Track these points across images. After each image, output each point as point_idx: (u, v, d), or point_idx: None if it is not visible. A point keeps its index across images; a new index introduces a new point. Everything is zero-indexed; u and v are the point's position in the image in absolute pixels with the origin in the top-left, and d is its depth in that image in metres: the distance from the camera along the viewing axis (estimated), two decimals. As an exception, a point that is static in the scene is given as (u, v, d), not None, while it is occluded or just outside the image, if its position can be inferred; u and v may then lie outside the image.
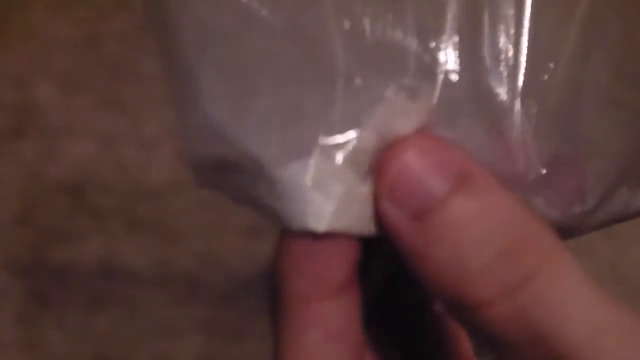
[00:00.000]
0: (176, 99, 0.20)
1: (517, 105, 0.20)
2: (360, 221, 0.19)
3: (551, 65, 0.20)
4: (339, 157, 0.18)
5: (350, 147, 0.19)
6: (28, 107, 0.73)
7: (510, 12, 0.20)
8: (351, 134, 0.19)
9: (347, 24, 0.18)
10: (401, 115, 0.19)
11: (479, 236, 0.18)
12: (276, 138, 0.18)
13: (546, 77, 0.20)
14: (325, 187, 0.18)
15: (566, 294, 0.18)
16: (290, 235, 0.19)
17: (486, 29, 0.19)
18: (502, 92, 0.20)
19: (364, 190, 0.19)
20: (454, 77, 0.19)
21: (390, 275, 0.23)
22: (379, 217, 0.19)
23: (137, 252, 0.66)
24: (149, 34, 0.21)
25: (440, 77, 0.19)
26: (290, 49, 0.18)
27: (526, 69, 0.20)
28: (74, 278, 0.65)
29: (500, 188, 0.18)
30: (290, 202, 0.18)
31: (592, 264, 0.68)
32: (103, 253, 0.66)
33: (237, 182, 0.19)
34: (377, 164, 0.19)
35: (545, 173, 0.20)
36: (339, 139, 0.18)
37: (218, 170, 0.19)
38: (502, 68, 0.20)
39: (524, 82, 0.20)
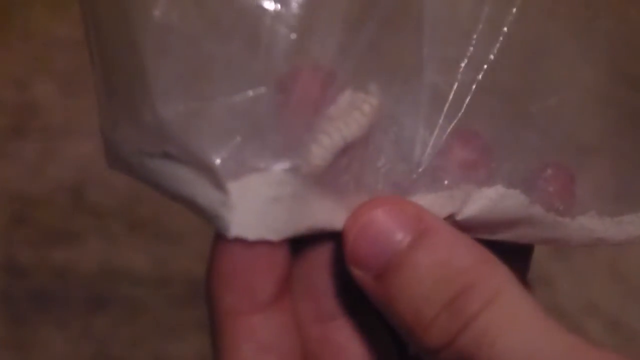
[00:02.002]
0: (115, 93, 0.20)
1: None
2: (304, 224, 0.20)
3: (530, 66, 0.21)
4: (296, 173, 0.19)
5: (303, 162, 0.19)
6: (28, 107, 0.73)
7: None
8: (301, 151, 0.19)
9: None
10: (353, 123, 0.20)
11: (430, 290, 0.20)
12: (228, 147, 0.19)
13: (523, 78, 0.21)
14: (269, 200, 0.19)
15: (502, 329, 0.19)
16: (219, 251, 0.20)
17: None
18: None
19: (313, 197, 0.20)
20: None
21: None
22: (349, 270, 0.20)
23: (137, 252, 0.66)
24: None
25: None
26: (244, 55, 0.19)
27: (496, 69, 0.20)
28: (74, 278, 0.65)
29: (454, 240, 0.20)
30: (235, 211, 0.19)
31: (592, 264, 0.68)
32: (103, 253, 0.66)
33: (173, 179, 0.19)
34: (342, 232, 0.20)
35: (527, 177, 0.21)
36: (289, 156, 0.19)
37: (154, 164, 0.20)
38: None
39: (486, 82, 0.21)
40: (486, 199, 0.22)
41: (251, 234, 0.19)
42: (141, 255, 0.66)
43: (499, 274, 0.20)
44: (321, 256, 0.22)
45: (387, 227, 0.20)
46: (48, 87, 0.74)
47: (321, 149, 0.19)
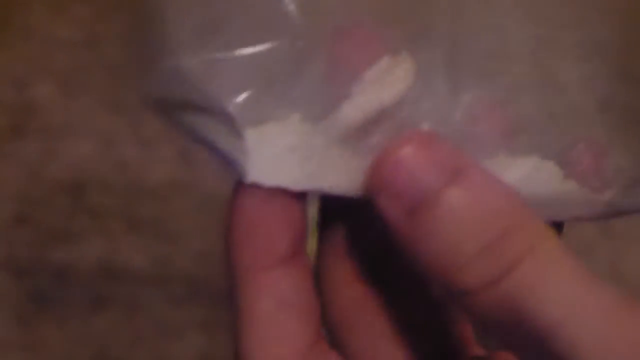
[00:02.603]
0: (143, 40, 0.20)
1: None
2: (330, 181, 0.20)
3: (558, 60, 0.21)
4: (318, 126, 0.19)
5: (332, 118, 0.19)
6: (28, 107, 0.73)
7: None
8: (330, 105, 0.19)
9: None
10: (387, 82, 0.20)
11: (467, 230, 0.19)
12: (246, 95, 0.19)
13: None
14: (287, 148, 0.19)
15: (547, 277, 0.19)
16: (237, 206, 0.20)
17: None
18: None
19: (336, 153, 0.20)
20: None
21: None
22: (376, 208, 0.20)
23: (137, 252, 0.66)
24: None
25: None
26: (264, 6, 0.19)
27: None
28: (74, 278, 0.65)
29: (490, 181, 0.20)
30: (252, 157, 0.19)
31: (592, 263, 0.68)
32: (103, 253, 0.66)
33: (197, 124, 0.20)
34: (374, 162, 0.20)
35: (560, 151, 0.21)
36: (316, 108, 0.19)
37: (178, 110, 0.20)
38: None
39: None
40: (522, 170, 0.21)
41: (268, 181, 0.19)
42: (141, 255, 0.66)
43: (537, 220, 0.20)
44: (359, 222, 0.22)
45: (425, 161, 0.19)
46: (48, 87, 0.74)
47: (354, 109, 0.20)
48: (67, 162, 0.70)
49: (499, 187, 0.20)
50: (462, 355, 0.24)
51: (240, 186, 0.20)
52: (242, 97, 0.19)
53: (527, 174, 0.21)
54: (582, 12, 0.22)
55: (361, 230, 0.22)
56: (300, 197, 0.20)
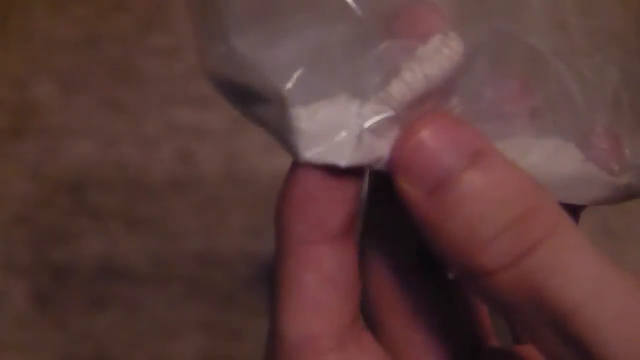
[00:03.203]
0: (199, 24, 0.21)
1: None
2: (373, 159, 0.20)
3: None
4: (367, 104, 0.20)
5: (381, 95, 0.20)
6: (28, 107, 0.73)
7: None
8: (379, 82, 0.20)
9: None
10: (436, 60, 0.20)
11: (487, 210, 0.19)
12: (298, 74, 0.20)
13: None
14: (337, 126, 0.20)
15: (567, 259, 0.19)
16: (292, 179, 0.20)
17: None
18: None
19: (384, 129, 0.20)
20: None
21: None
22: (395, 189, 0.20)
23: (137, 252, 0.66)
24: None
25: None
26: None
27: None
28: (74, 278, 0.65)
29: (509, 164, 0.20)
30: (308, 138, 0.20)
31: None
32: (103, 253, 0.66)
33: (253, 105, 0.20)
34: (394, 142, 0.20)
35: (580, 134, 0.22)
36: (366, 86, 0.20)
37: (236, 92, 0.21)
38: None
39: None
40: (545, 150, 0.22)
41: (319, 159, 0.20)
42: (141, 255, 0.66)
43: (557, 204, 0.20)
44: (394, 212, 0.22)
45: (446, 142, 0.20)
46: (48, 87, 0.74)
47: (403, 85, 0.20)
48: (67, 162, 0.70)
49: (518, 170, 0.20)
50: (484, 346, 0.25)
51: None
52: (293, 77, 0.19)
53: (550, 154, 0.22)
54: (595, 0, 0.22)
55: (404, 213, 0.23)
56: (356, 175, 0.20)
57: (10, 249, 0.67)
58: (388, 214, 0.23)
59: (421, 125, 0.20)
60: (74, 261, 0.66)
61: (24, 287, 0.65)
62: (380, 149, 0.20)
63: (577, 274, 0.19)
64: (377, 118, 0.20)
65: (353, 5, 0.19)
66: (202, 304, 0.64)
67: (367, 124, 0.20)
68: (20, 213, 0.68)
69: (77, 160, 0.70)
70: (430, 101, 0.20)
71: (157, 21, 0.76)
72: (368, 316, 0.24)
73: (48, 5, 0.77)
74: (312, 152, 0.20)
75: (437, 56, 0.20)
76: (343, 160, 0.20)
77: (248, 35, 0.19)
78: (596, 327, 0.18)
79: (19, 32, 0.76)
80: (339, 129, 0.20)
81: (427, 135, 0.20)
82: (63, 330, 0.64)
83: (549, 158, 0.22)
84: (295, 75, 0.19)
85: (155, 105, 0.72)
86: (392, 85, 0.20)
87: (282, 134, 0.20)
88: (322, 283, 0.20)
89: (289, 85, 0.19)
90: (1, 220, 0.68)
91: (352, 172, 0.20)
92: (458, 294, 0.24)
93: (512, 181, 0.20)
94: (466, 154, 0.20)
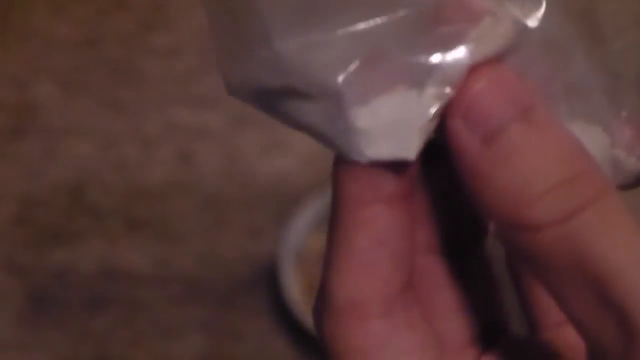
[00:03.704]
0: (226, 35, 0.20)
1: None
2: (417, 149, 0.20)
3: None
4: (424, 90, 0.20)
5: (432, 87, 0.20)
6: (28, 107, 0.73)
7: None
8: (433, 68, 0.20)
9: None
10: (490, 40, 0.20)
11: (542, 163, 0.19)
12: (351, 71, 0.19)
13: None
14: (399, 120, 0.20)
15: (613, 225, 0.19)
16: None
17: None
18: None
19: (430, 123, 0.20)
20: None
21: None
22: (449, 136, 0.20)
23: (137, 252, 0.66)
24: None
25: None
26: None
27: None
28: (74, 278, 0.65)
29: (560, 125, 0.20)
30: (369, 136, 0.19)
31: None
32: (103, 253, 0.66)
33: (297, 110, 0.20)
34: (456, 90, 0.20)
35: (605, 120, 0.22)
36: (421, 74, 0.20)
37: (276, 97, 0.20)
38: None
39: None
40: (576, 132, 0.22)
41: (385, 156, 0.20)
42: (141, 255, 0.66)
43: (601, 171, 0.20)
44: (435, 188, 0.22)
45: (502, 94, 0.20)
46: (48, 87, 0.74)
47: (460, 66, 0.20)
48: (67, 162, 0.70)
49: (570, 133, 0.20)
50: (504, 332, 0.25)
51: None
52: (347, 75, 0.19)
53: (581, 136, 0.22)
54: None
55: (447, 189, 0.22)
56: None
57: (10, 249, 0.67)
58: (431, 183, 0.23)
59: (484, 75, 0.20)
60: (74, 261, 0.66)
61: (24, 287, 0.65)
62: (437, 120, 0.20)
63: (623, 239, 0.19)
64: (437, 104, 0.20)
65: None
66: (202, 304, 0.64)
67: (429, 112, 0.20)
68: (20, 213, 0.68)
69: (77, 160, 0.70)
70: None
71: (157, 21, 0.76)
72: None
73: (48, 5, 0.77)
74: (375, 151, 0.20)
75: (491, 35, 0.20)
76: (411, 153, 0.20)
77: (294, 37, 0.19)
78: (636, 294, 0.18)
79: (19, 32, 0.76)
80: (401, 123, 0.20)
81: (486, 85, 0.20)
82: (63, 330, 0.64)
83: (581, 139, 0.22)
84: (349, 72, 0.19)
85: (155, 105, 0.72)
86: (448, 66, 0.20)
87: (335, 135, 0.20)
88: (374, 245, 0.20)
89: (344, 83, 0.19)
90: (1, 220, 0.68)
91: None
92: (482, 277, 0.24)
93: (565, 142, 0.20)
94: (522, 107, 0.20)
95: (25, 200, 0.69)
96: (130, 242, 0.67)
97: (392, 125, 0.20)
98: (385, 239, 0.20)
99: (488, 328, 0.24)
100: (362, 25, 0.19)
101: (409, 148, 0.20)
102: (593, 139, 0.22)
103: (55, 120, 0.72)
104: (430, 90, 0.20)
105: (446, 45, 0.20)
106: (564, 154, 0.20)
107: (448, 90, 0.20)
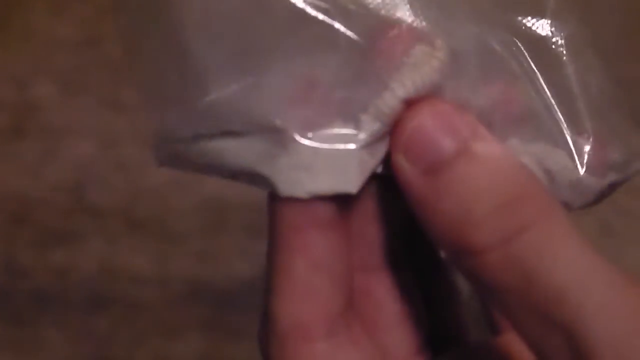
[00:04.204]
0: (155, 88, 0.21)
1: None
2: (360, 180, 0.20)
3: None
4: (362, 121, 0.20)
5: (367, 121, 0.20)
6: (28, 107, 0.73)
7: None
8: (368, 101, 0.20)
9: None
10: (421, 70, 0.20)
11: (481, 190, 0.20)
12: (291, 108, 0.19)
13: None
14: (344, 155, 0.20)
15: (557, 244, 0.19)
16: None
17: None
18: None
19: (372, 152, 0.20)
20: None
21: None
22: (393, 170, 0.20)
23: (137, 252, 0.66)
24: (115, 16, 0.21)
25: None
26: (294, 24, 0.19)
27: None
28: (74, 278, 0.65)
29: (503, 149, 0.20)
30: (309, 172, 0.20)
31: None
32: (103, 253, 0.66)
33: (228, 157, 0.20)
34: (395, 124, 0.20)
35: (569, 142, 0.22)
36: (356, 106, 0.20)
37: (201, 144, 0.20)
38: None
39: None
40: (532, 156, 0.22)
41: (327, 189, 0.20)
42: (141, 255, 0.66)
43: (547, 191, 0.20)
44: (369, 207, 0.22)
45: (444, 125, 0.20)
46: (48, 87, 0.74)
47: (393, 98, 0.20)
48: (67, 162, 0.70)
49: (511, 156, 0.20)
50: (461, 340, 0.25)
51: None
52: (285, 113, 0.19)
53: (538, 160, 0.22)
54: (583, 9, 0.22)
55: (391, 205, 0.23)
56: None
57: (10, 249, 0.67)
58: (380, 201, 0.23)
59: (421, 108, 0.20)
60: (74, 261, 0.66)
61: (24, 287, 0.65)
62: (380, 153, 0.20)
63: (566, 259, 0.19)
64: (372, 137, 0.20)
65: (336, 30, 0.19)
66: (202, 304, 0.64)
67: (365, 144, 0.20)
68: (20, 213, 0.68)
69: (77, 160, 0.70)
70: None
71: (157, 21, 0.76)
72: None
73: (48, 5, 0.77)
74: (317, 186, 0.20)
75: (423, 66, 0.20)
76: (353, 187, 0.20)
77: (231, 83, 0.19)
78: (581, 313, 0.18)
79: (19, 32, 0.76)
80: (340, 158, 0.20)
81: (426, 117, 0.20)
82: (63, 330, 0.64)
83: (538, 163, 0.22)
84: (287, 110, 0.19)
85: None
86: (382, 99, 0.20)
87: (275, 174, 0.20)
88: (312, 269, 0.21)
89: (283, 121, 0.19)
90: (1, 220, 0.68)
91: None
92: (436, 286, 0.25)
93: (506, 166, 0.20)
94: (463, 137, 0.20)
95: (25, 200, 0.69)
96: (131, 242, 0.67)
97: (332, 160, 0.20)
98: (323, 262, 0.21)
99: (438, 336, 0.24)
100: (298, 62, 0.19)
101: (351, 182, 0.20)
102: (554, 162, 0.22)
103: (55, 120, 0.72)
104: (366, 125, 0.20)
105: (380, 79, 0.20)
106: (505, 178, 0.20)
107: (381, 125, 0.20)
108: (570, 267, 0.19)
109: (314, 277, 0.21)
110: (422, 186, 0.20)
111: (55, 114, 0.72)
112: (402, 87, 0.20)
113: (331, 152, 0.20)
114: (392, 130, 0.20)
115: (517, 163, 0.20)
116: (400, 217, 0.23)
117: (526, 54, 0.21)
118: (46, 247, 0.66)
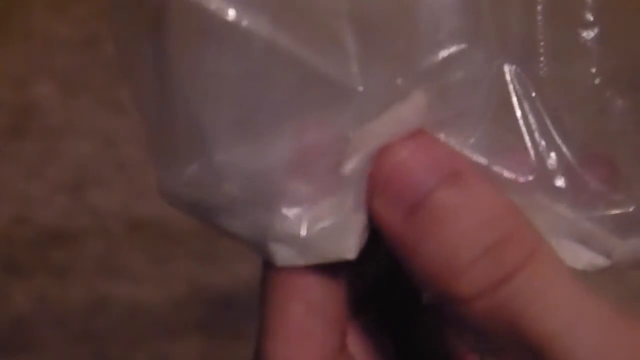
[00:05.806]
0: (165, 144, 0.20)
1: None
2: (353, 246, 0.20)
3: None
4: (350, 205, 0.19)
5: (354, 194, 0.19)
6: (28, 107, 0.73)
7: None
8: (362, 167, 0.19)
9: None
10: (402, 123, 0.19)
11: (465, 232, 0.19)
12: (295, 182, 0.19)
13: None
14: (334, 228, 0.20)
15: (545, 287, 0.18)
16: None
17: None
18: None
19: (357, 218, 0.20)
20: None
21: (388, 265, 0.24)
22: (371, 215, 0.20)
23: (137, 252, 0.66)
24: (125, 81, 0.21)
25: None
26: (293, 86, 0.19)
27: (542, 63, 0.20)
28: (74, 278, 0.65)
29: (488, 185, 0.19)
30: (300, 242, 0.19)
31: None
32: (103, 253, 0.66)
33: (228, 219, 0.20)
34: (374, 164, 0.19)
35: (568, 176, 0.20)
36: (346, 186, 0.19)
37: (205, 209, 0.21)
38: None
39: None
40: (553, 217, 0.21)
41: (325, 258, 0.20)
42: (141, 255, 0.66)
43: (535, 229, 0.19)
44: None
45: (424, 162, 0.19)
46: (48, 87, 0.74)
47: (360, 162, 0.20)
48: (67, 162, 0.70)
49: (496, 192, 0.19)
50: None
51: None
52: (285, 184, 0.19)
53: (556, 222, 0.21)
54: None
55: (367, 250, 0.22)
56: None
57: (10, 249, 0.67)
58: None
59: (400, 145, 0.19)
60: (74, 261, 0.66)
61: (24, 287, 0.65)
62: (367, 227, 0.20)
63: (555, 303, 0.18)
64: (356, 200, 0.19)
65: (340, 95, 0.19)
66: (202, 304, 0.64)
67: (360, 215, 0.19)
68: (20, 213, 0.68)
69: (77, 160, 0.70)
70: None
71: (157, 21, 0.76)
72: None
73: (48, 5, 0.77)
74: (316, 255, 0.20)
75: (399, 123, 0.19)
76: (351, 254, 0.20)
77: (234, 148, 0.19)
78: (572, 359, 0.18)
79: (19, 32, 0.76)
80: (338, 226, 0.19)
81: (405, 154, 0.19)
82: (63, 330, 0.64)
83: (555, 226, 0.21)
84: (287, 180, 0.19)
85: (155, 105, 0.71)
86: (351, 163, 0.19)
87: (271, 244, 0.20)
88: (307, 313, 0.20)
89: (282, 195, 0.19)
90: (1, 220, 0.68)
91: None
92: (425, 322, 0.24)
93: (490, 203, 0.19)
94: (444, 174, 0.19)
95: (25, 200, 0.69)
96: (131, 242, 0.67)
97: (329, 232, 0.19)
98: (318, 306, 0.20)
99: None
100: (294, 135, 0.19)
101: (349, 249, 0.20)
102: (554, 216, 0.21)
103: (55, 120, 0.72)
104: (354, 197, 0.20)
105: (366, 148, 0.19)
106: (489, 217, 0.19)
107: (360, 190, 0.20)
108: (560, 311, 0.18)
109: (308, 320, 0.20)
110: (402, 229, 0.19)
111: (55, 114, 0.72)
112: (364, 149, 0.19)
113: (328, 222, 0.19)
114: (370, 172, 0.19)
115: (499, 197, 0.19)
116: (377, 260, 0.22)
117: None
118: (46, 247, 0.66)
